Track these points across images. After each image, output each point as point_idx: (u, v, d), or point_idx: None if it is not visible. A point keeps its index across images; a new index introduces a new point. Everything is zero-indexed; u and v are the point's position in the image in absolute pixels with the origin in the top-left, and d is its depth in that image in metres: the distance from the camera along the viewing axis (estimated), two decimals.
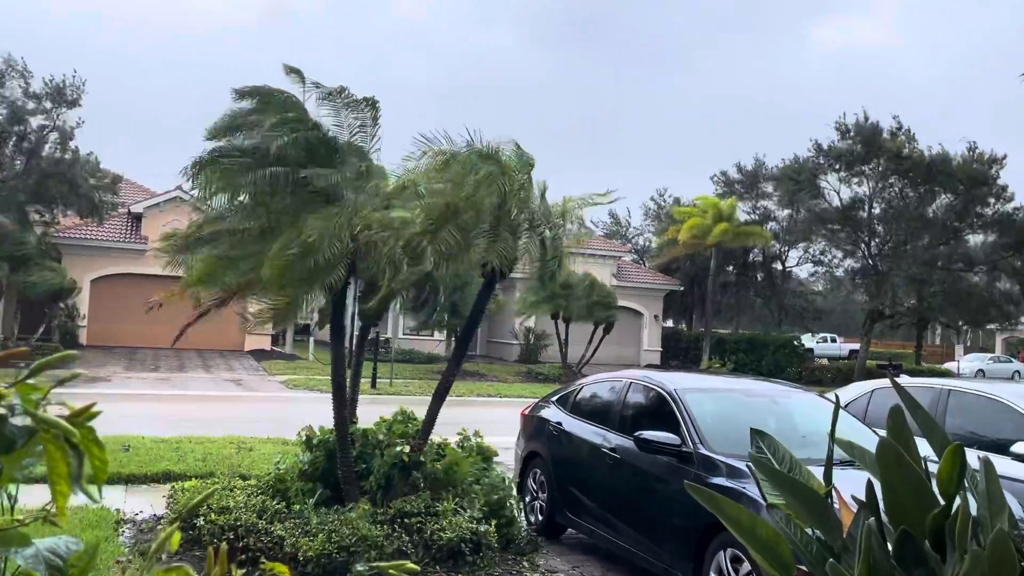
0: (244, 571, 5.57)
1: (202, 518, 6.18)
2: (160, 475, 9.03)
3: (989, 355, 49.24)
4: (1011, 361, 47.29)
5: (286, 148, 6.34)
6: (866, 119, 34.70)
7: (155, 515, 7.38)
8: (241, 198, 6.74)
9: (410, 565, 1.04)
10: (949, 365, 42.74)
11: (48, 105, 23.87)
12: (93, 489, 1.03)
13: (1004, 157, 34.42)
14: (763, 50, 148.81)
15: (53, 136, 24.06)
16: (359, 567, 1.56)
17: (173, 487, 7.39)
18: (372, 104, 6.96)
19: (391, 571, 1.04)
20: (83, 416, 1.01)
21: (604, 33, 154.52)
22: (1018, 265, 34.85)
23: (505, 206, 6.59)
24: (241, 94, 6.61)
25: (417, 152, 6.82)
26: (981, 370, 43.58)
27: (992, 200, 34.71)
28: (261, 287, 6.69)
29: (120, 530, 6.94)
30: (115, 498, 8.02)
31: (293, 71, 6.83)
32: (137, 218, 29.74)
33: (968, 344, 54.99)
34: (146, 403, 16.57)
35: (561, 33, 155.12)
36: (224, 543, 5.91)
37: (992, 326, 39.89)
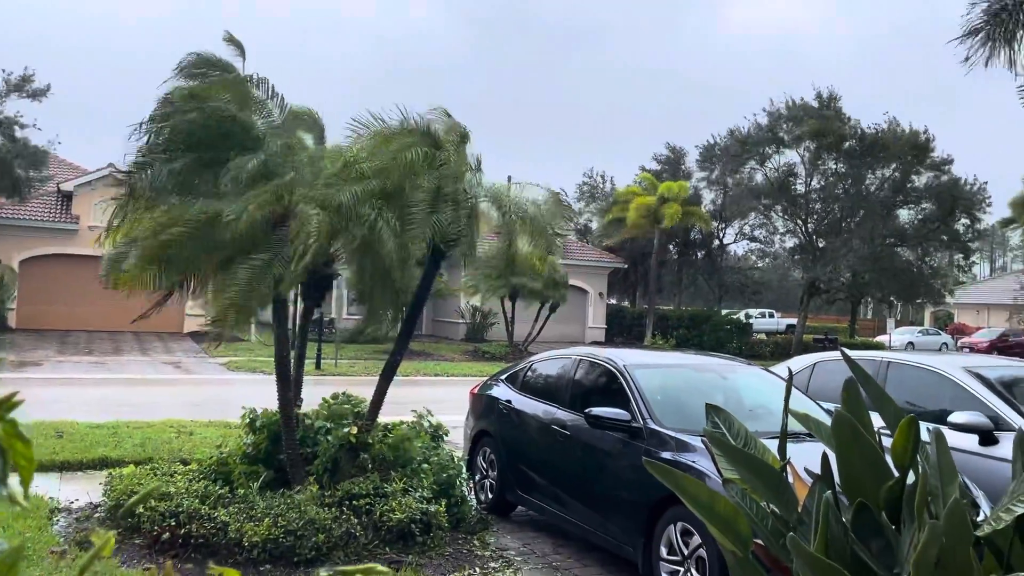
0: (190, 566, 5.40)
1: (141, 505, 5.97)
2: (96, 461, 8.72)
3: (919, 328, 50.99)
4: (939, 334, 49.03)
5: (216, 131, 6.12)
6: (802, 99, 35.40)
7: (91, 503, 7.13)
8: (175, 174, 6.46)
9: (380, 568, 0.95)
10: (881, 338, 44.11)
11: None
12: (18, 491, 0.91)
13: (926, 131, 35.49)
14: (682, 27, 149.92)
15: None
16: (322, 571, 1.44)
17: (110, 473, 7.13)
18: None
19: (358, 575, 0.94)
20: (2, 408, 0.88)
21: (522, 13, 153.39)
22: (945, 239, 36.08)
23: (441, 179, 6.50)
24: (183, 70, 6.35)
25: (353, 133, 6.69)
26: (911, 343, 45.09)
27: (925, 171, 35.75)
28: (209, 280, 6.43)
29: (54, 519, 6.68)
30: (49, 486, 7.73)
31: (232, 42, 6.58)
32: (67, 197, 28.61)
33: (899, 318, 56.85)
34: (80, 388, 16.02)
35: (480, 11, 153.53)
36: (166, 532, 5.72)
37: (920, 300, 41.29)
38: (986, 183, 37.11)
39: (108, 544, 0.97)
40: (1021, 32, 12.95)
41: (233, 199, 5.99)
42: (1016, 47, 13.04)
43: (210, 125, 6.13)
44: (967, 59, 13.37)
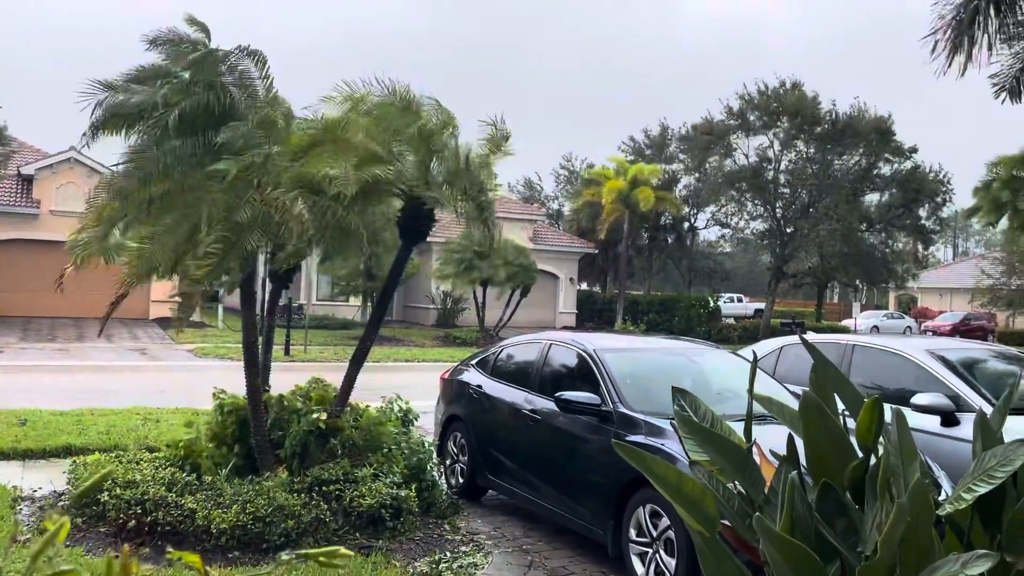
0: (146, 550, 5.32)
1: (107, 493, 5.90)
2: (60, 449, 8.59)
3: (883, 312, 51.85)
4: (903, 317, 49.91)
5: (184, 106, 5.96)
6: (775, 86, 35.67)
7: (55, 491, 7.02)
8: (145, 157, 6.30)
9: (343, 551, 0.93)
10: (847, 322, 44.82)
11: None
12: None
13: (890, 116, 35.98)
14: (659, 12, 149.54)
15: None
16: (284, 555, 1.43)
17: (74, 461, 7.03)
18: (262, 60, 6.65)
19: (321, 558, 0.93)
20: None
21: None
22: (907, 223, 36.71)
23: (426, 163, 6.44)
24: (152, 42, 6.18)
25: (337, 97, 6.58)
26: (876, 326, 45.86)
27: (892, 157, 36.27)
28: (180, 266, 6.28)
29: (17, 508, 6.57)
30: (11, 474, 7.60)
31: (195, 23, 6.43)
32: (28, 180, 28.00)
33: (864, 302, 57.73)
34: (43, 375, 15.75)
35: None
36: (132, 520, 5.64)
37: (885, 285, 42.02)
38: (949, 173, 37.83)
39: (63, 530, 0.94)
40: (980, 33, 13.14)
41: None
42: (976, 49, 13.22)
43: (210, 109, 5.96)
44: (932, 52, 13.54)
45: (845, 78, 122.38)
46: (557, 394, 6.30)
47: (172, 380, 15.77)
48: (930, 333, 43.40)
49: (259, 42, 6.39)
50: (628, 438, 5.66)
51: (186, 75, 6.09)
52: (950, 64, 13.37)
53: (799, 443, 2.86)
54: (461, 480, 7.71)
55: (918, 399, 6.31)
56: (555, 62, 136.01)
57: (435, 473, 7.13)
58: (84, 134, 6.09)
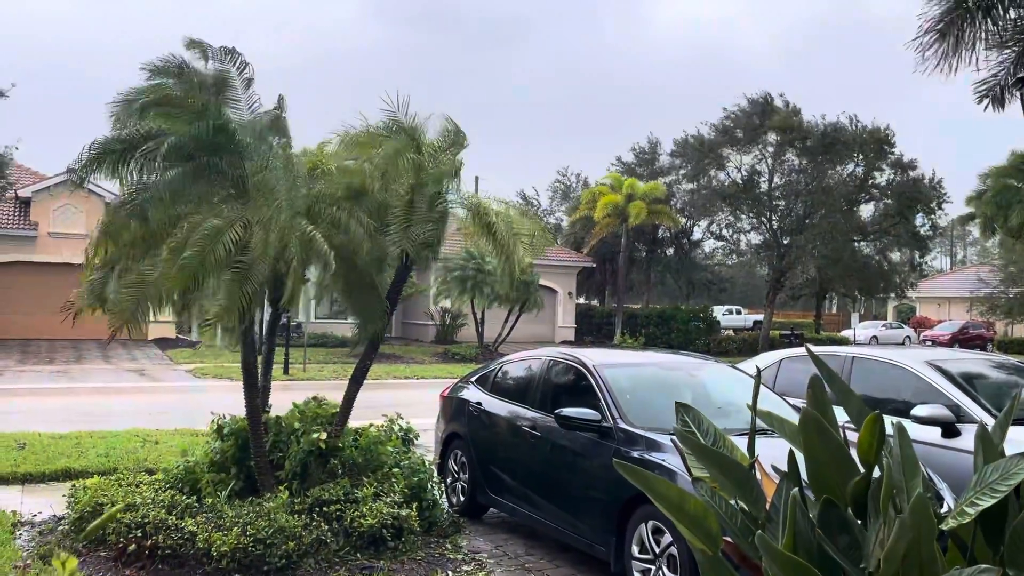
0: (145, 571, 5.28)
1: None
2: (59, 472, 8.56)
3: (882, 322, 51.90)
4: (902, 327, 49.95)
5: (189, 135, 5.99)
6: (762, 99, 35.83)
7: (55, 515, 6.99)
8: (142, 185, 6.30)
9: None
10: (846, 333, 44.79)
11: None
12: None
13: (888, 127, 36.12)
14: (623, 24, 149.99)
15: None
16: None
17: (73, 485, 6.99)
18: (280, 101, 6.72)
19: None
20: None
21: (448, 8, 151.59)
22: (903, 234, 36.73)
23: (423, 187, 6.44)
24: (155, 71, 6.20)
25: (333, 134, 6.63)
26: (875, 336, 45.88)
27: (887, 168, 36.35)
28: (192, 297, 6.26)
29: (17, 533, 6.54)
30: (11, 499, 7.58)
31: (195, 44, 6.45)
32: (26, 203, 28.03)
33: (863, 312, 57.74)
34: (42, 397, 15.71)
35: (400, 9, 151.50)
36: (132, 544, 5.62)
37: (882, 295, 42.04)
38: (941, 181, 37.79)
39: (70, 568, 0.94)
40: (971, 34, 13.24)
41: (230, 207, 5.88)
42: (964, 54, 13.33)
43: (202, 137, 5.98)
44: (922, 56, 13.63)
45: (821, 81, 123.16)
46: (557, 410, 6.29)
47: (171, 401, 15.73)
48: (929, 342, 43.42)
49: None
50: (629, 454, 5.65)
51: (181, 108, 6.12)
52: (940, 68, 13.46)
53: (800, 458, 2.86)
54: (462, 498, 7.68)
55: (918, 411, 6.31)
56: (541, 76, 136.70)
57: (436, 492, 7.10)
58: (74, 169, 6.09)
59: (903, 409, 6.44)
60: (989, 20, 13.23)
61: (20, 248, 27.34)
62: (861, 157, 35.57)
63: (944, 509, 4.88)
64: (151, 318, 6.17)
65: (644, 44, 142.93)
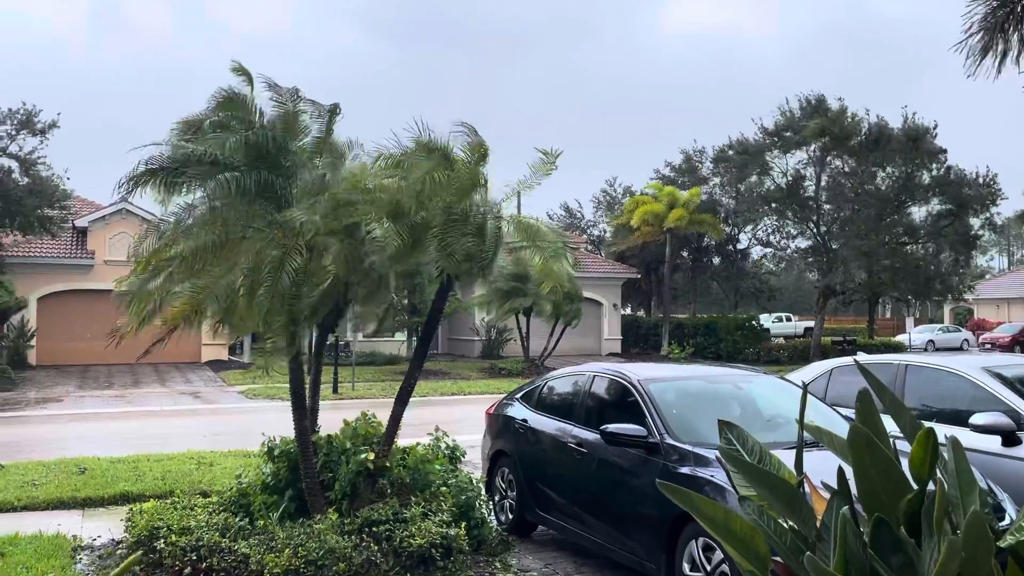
0: None
1: (163, 540, 5.99)
2: (118, 496, 8.76)
3: (938, 326, 50.50)
4: (960, 330, 48.54)
5: (235, 151, 6.15)
6: (809, 102, 35.33)
7: (113, 539, 7.15)
8: (195, 207, 6.47)
9: None
10: (901, 338, 43.69)
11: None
12: None
13: (936, 126, 35.23)
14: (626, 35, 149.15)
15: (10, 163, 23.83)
16: None
17: (131, 509, 7.16)
18: (332, 110, 6.84)
19: None
20: None
21: (452, 24, 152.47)
22: (957, 235, 35.66)
23: (458, 203, 6.48)
24: (220, 105, 6.42)
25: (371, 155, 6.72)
26: (931, 340, 44.66)
27: (932, 164, 35.43)
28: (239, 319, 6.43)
29: (77, 557, 6.71)
30: (72, 523, 7.78)
31: (241, 71, 6.61)
32: (82, 232, 28.93)
33: (918, 316, 56.32)
34: (101, 422, 16.12)
35: (407, 26, 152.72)
36: (187, 567, 5.73)
37: (937, 298, 40.88)
38: (996, 176, 36.56)
39: None
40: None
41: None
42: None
43: (262, 144, 6.18)
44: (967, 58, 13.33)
45: (892, 82, 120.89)
46: (602, 427, 6.25)
47: (224, 422, 16.02)
48: (988, 346, 42.13)
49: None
50: (677, 470, 5.58)
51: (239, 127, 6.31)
52: (987, 73, 13.13)
53: (849, 474, 2.79)
54: (510, 516, 7.66)
55: (977, 419, 6.12)
56: (598, 87, 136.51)
57: (484, 510, 7.10)
58: (123, 184, 6.25)
59: (961, 417, 6.26)
60: None
61: (78, 276, 28.18)
62: (911, 157, 34.71)
63: (1006, 522, 4.72)
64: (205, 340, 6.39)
65: (694, 49, 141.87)
